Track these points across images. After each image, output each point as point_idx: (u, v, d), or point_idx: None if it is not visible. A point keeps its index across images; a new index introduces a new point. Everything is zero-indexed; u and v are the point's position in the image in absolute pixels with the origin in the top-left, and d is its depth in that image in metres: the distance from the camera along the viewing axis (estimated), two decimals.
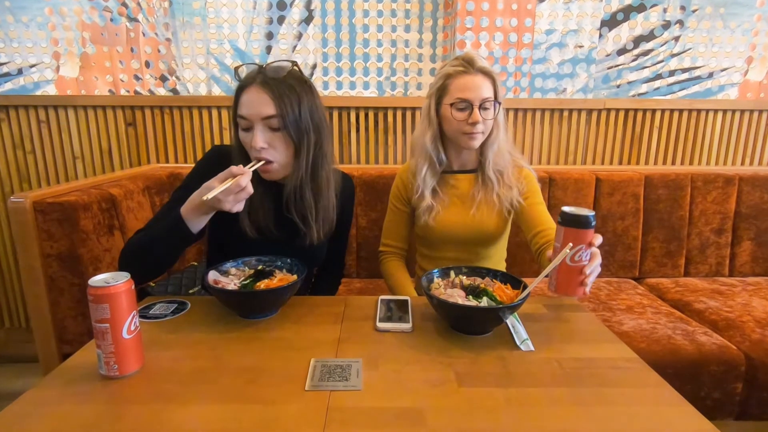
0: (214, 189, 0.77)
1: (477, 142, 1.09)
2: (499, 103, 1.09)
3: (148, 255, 0.88)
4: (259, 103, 0.86)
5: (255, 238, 0.95)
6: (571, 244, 0.76)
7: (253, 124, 0.87)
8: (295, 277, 0.89)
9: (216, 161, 1.00)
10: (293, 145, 0.90)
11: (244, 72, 0.92)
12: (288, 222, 0.98)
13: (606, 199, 1.70)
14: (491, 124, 1.10)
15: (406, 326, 0.83)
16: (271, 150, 0.88)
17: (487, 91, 1.06)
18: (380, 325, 0.83)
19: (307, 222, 0.96)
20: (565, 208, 0.78)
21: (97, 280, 0.65)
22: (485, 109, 1.07)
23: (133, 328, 0.67)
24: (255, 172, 0.91)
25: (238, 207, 0.81)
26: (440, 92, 1.10)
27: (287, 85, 0.87)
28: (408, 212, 1.23)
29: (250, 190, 0.81)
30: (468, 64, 1.06)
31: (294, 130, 0.88)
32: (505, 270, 1.21)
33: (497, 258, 1.27)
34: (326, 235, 1.01)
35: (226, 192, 0.78)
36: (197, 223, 0.85)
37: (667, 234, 1.73)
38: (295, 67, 0.91)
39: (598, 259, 0.78)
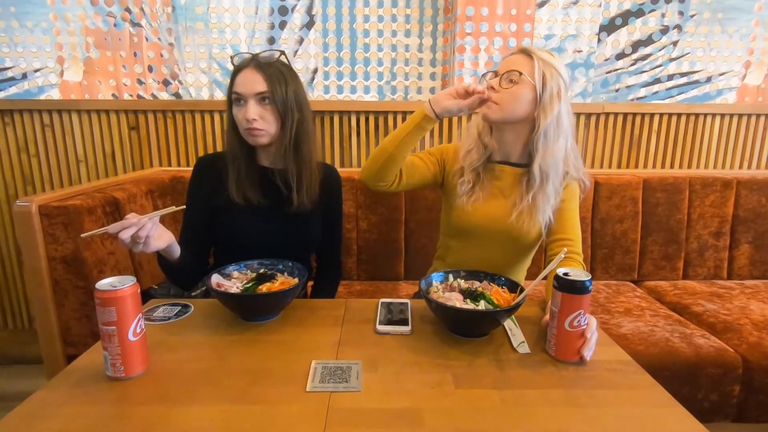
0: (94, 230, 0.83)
1: (492, 112, 1.03)
2: (542, 83, 1.01)
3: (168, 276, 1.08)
4: (252, 82, 1.01)
5: (243, 205, 1.06)
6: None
7: (246, 99, 1.01)
8: (296, 280, 0.90)
9: (204, 172, 1.12)
10: (280, 118, 1.04)
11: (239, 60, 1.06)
12: (273, 191, 1.09)
13: (605, 202, 1.71)
14: (508, 96, 1.02)
15: (406, 329, 0.84)
16: (261, 121, 1.02)
17: (521, 66, 1.02)
18: (380, 327, 0.85)
19: (289, 186, 1.08)
20: (561, 272, 0.74)
21: (104, 283, 0.67)
22: (510, 81, 1.02)
23: (138, 330, 0.68)
24: (242, 139, 1.05)
25: (125, 235, 0.80)
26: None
27: (276, 69, 1.03)
28: (432, 170, 1.17)
29: (142, 234, 0.81)
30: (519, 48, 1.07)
31: (281, 105, 1.02)
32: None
33: (520, 269, 1.21)
34: (311, 203, 1.10)
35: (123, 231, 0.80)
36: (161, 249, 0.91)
37: (666, 237, 1.74)
38: (283, 56, 1.07)
39: (594, 322, 0.76)
